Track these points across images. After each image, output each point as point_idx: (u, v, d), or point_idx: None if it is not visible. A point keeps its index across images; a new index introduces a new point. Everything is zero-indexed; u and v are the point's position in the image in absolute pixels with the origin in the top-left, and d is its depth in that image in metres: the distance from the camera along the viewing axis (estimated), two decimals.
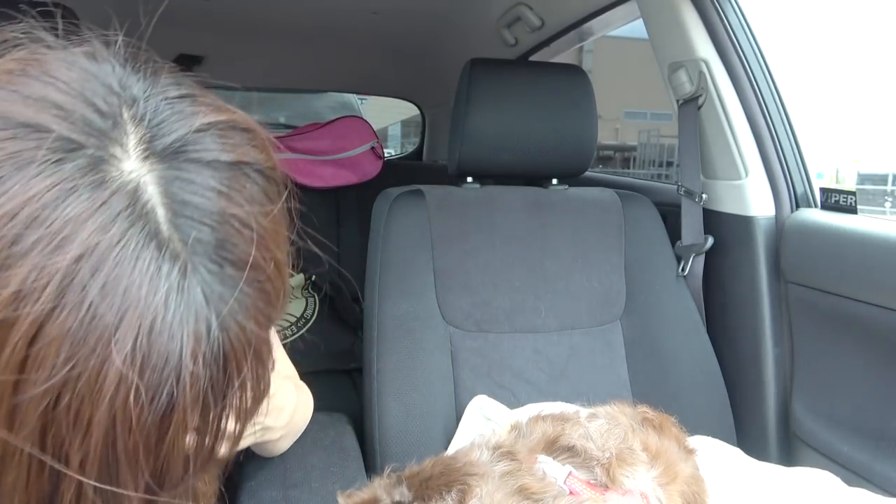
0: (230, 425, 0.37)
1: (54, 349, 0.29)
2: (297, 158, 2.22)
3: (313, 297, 2.06)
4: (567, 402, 1.10)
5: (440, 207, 1.20)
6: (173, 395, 0.31)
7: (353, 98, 3.30)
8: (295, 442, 0.84)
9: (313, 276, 2.04)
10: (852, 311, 1.03)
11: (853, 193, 1.14)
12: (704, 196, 1.28)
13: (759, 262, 1.20)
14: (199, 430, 0.34)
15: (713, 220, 1.29)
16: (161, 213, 0.32)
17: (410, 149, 3.64)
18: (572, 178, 1.33)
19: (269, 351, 0.38)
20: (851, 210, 1.12)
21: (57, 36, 0.35)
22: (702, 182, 1.30)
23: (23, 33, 0.34)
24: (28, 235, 0.29)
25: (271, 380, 0.47)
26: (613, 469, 0.63)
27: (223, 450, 0.39)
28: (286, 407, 0.78)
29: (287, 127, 2.68)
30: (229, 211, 0.34)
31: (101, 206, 0.30)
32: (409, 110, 3.42)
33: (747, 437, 1.17)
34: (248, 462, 0.84)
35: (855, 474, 1.00)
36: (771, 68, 1.24)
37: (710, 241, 1.25)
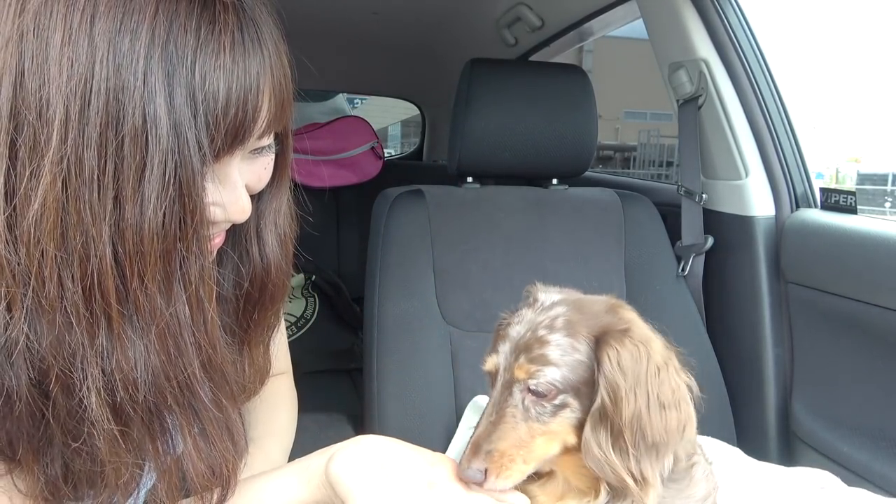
0: None
1: None
2: (297, 158, 2.22)
3: (313, 297, 2.06)
4: None
5: (440, 207, 1.20)
6: None
7: (344, 104, 3.32)
8: (295, 441, 0.84)
9: (313, 276, 2.04)
10: (852, 311, 1.03)
11: (853, 193, 1.14)
12: (704, 196, 1.28)
13: (759, 262, 1.20)
14: None
15: (713, 220, 1.29)
16: None
17: (410, 149, 3.64)
18: (572, 178, 1.33)
19: None
20: (851, 210, 1.12)
21: None
22: (702, 182, 1.30)
23: None
24: None
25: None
26: None
27: None
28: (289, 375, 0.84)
29: None
30: None
31: None
32: (409, 110, 3.43)
33: (747, 437, 1.17)
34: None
35: (855, 474, 1.00)
36: (771, 68, 1.24)
37: (710, 241, 1.25)
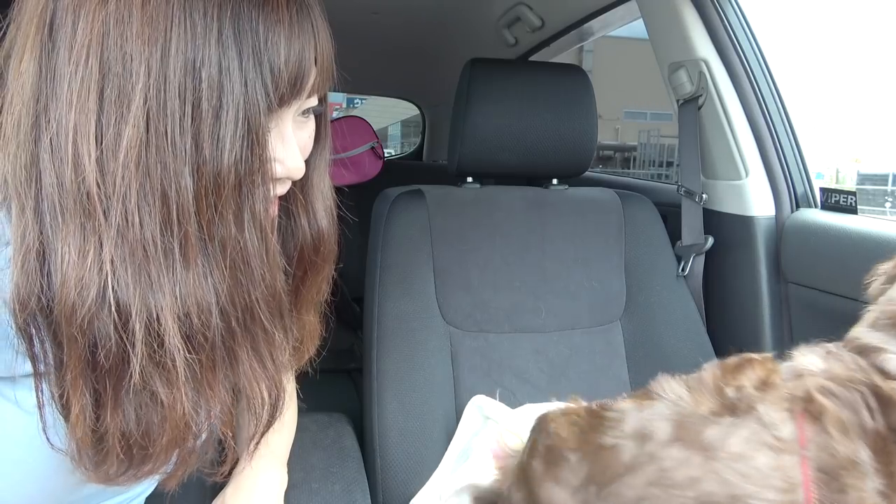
0: None
1: None
2: None
3: None
4: (567, 402, 1.10)
5: (440, 207, 1.20)
6: None
7: None
8: (295, 442, 0.84)
9: None
10: (852, 311, 1.03)
11: (853, 193, 1.14)
12: (704, 196, 1.28)
13: (759, 262, 1.20)
14: None
15: (713, 220, 1.29)
16: None
17: (410, 149, 3.64)
18: (572, 177, 1.33)
19: None
20: (851, 210, 1.13)
21: None
22: (702, 182, 1.30)
23: None
24: None
25: None
26: None
27: None
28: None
29: None
30: None
31: None
32: (409, 110, 3.43)
33: None
34: None
35: None
36: (771, 68, 1.24)
37: (711, 241, 1.25)
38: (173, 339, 0.47)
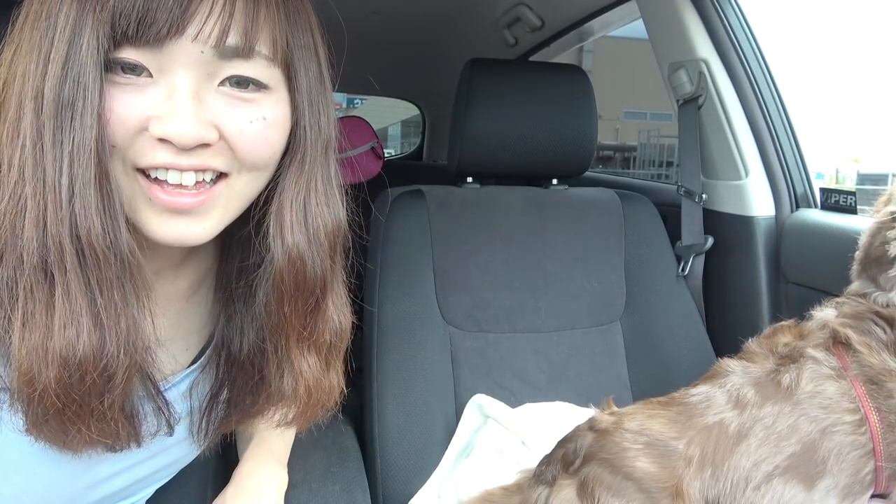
0: None
1: None
2: None
3: None
4: (567, 402, 1.10)
5: (440, 207, 1.20)
6: None
7: None
8: (295, 442, 0.84)
9: None
10: None
11: (853, 193, 1.14)
12: (704, 196, 1.28)
13: (759, 262, 1.20)
14: None
15: (713, 220, 1.29)
16: None
17: (410, 149, 3.64)
18: (572, 178, 1.33)
19: None
20: (851, 210, 1.13)
21: None
22: (702, 182, 1.30)
23: None
24: None
25: None
26: None
27: None
28: None
29: None
30: None
31: None
32: (409, 110, 3.43)
33: None
34: None
35: None
36: (771, 68, 1.24)
37: (710, 241, 1.25)
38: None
